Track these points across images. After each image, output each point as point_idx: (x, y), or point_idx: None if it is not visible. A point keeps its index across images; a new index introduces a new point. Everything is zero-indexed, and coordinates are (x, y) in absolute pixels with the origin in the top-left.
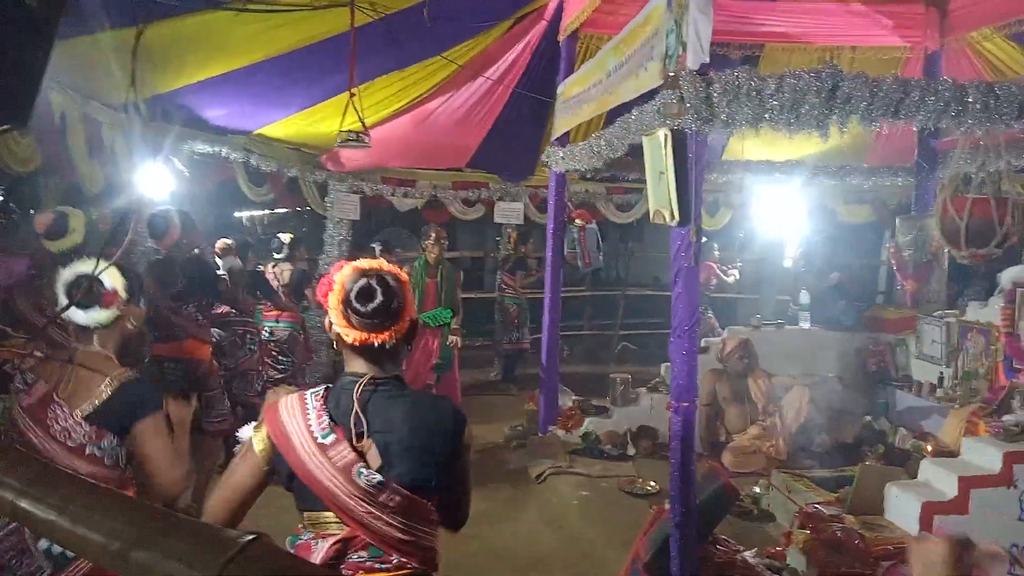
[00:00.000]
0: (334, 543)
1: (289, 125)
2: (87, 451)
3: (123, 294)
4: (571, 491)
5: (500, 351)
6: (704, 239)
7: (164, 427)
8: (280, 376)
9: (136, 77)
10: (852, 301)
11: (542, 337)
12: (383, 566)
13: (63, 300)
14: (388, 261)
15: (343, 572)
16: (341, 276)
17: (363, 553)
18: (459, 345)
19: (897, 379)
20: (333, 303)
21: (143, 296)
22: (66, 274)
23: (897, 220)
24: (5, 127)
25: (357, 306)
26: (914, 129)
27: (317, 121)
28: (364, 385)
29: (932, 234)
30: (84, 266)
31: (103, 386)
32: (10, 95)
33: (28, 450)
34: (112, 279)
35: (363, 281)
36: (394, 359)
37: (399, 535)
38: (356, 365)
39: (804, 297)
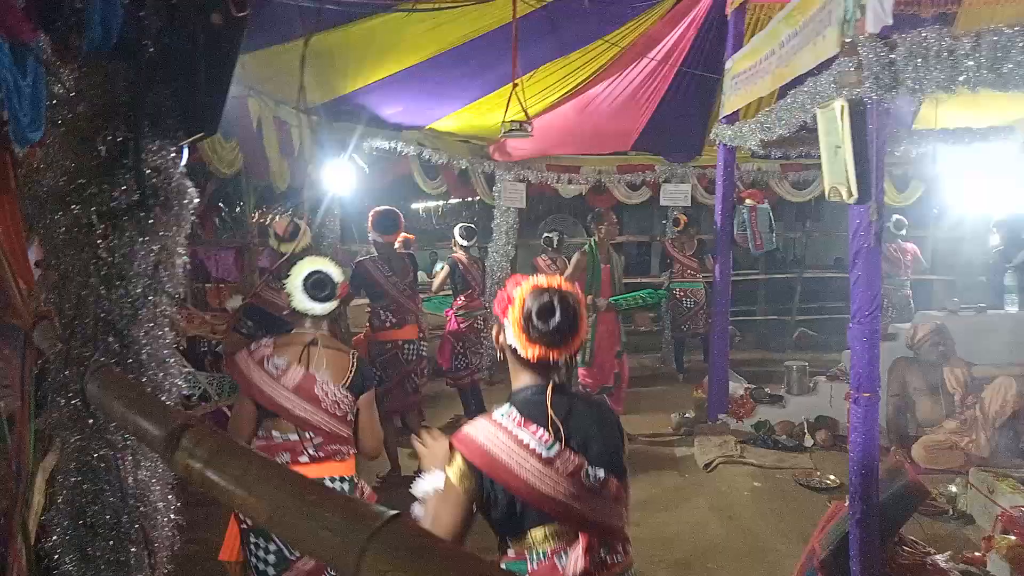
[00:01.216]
0: (583, 551)
1: (458, 118)
2: (348, 417)
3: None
4: (743, 481)
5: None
6: (897, 217)
7: (374, 400)
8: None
9: (303, 82)
10: None
11: (712, 322)
12: (619, 558)
13: (301, 293)
14: (557, 253)
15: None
16: (521, 292)
17: (601, 552)
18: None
19: None
20: (513, 318)
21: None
22: (303, 270)
23: None
24: (198, 136)
25: (538, 324)
26: None
27: (484, 113)
28: (552, 395)
29: None
30: (315, 264)
31: (351, 361)
32: (202, 107)
33: (299, 424)
34: (338, 274)
35: (545, 298)
36: (560, 370)
37: (622, 524)
38: (525, 378)
39: (1010, 278)
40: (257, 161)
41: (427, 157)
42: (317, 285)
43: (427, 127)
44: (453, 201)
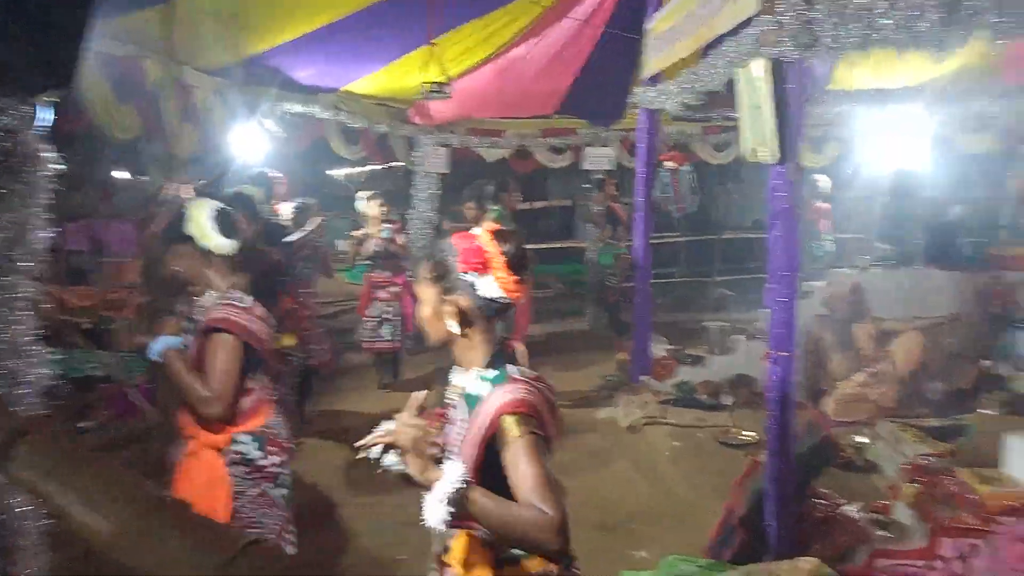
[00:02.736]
0: None
1: (375, 80)
2: None
3: None
4: (664, 441)
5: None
6: (817, 177)
7: None
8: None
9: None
10: (973, 237)
11: (633, 285)
12: None
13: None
14: (480, 218)
15: None
16: (488, 239)
17: None
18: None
19: (1022, 320)
20: (500, 264)
21: None
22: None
23: None
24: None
25: (522, 262)
26: None
27: (402, 75)
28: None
29: None
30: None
31: None
32: (53, 58)
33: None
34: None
35: (512, 235)
36: None
37: None
38: (488, 340)
39: (917, 235)
40: (157, 127)
41: (344, 121)
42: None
43: (343, 90)
44: (374, 167)
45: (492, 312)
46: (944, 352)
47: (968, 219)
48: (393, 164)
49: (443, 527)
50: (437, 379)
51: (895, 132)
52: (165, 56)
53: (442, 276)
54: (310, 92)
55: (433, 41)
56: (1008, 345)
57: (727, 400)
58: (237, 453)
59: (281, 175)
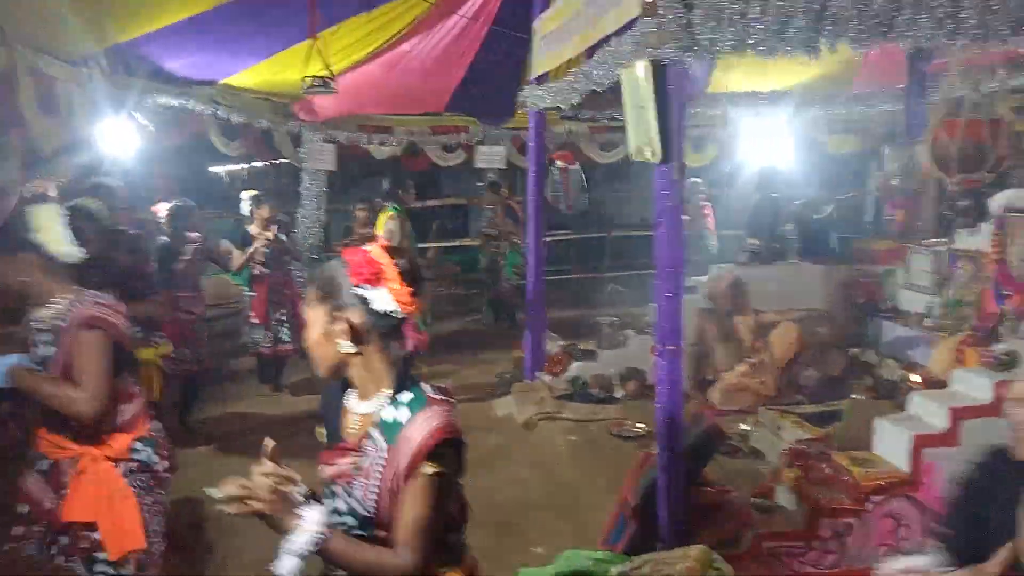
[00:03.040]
0: None
1: (257, 73)
2: None
3: None
4: (559, 436)
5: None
6: (697, 179)
7: None
8: None
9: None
10: (841, 234)
11: (527, 282)
12: None
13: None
14: (369, 219)
15: None
16: (380, 253)
17: None
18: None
19: (885, 310)
20: (394, 276)
21: None
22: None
23: (886, 148)
24: None
25: (416, 274)
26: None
27: (285, 68)
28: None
29: (921, 161)
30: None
31: None
32: None
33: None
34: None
35: (403, 253)
36: None
37: None
38: (387, 360)
39: (792, 231)
40: (12, 119)
41: (223, 116)
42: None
43: (221, 82)
44: (258, 164)
45: (387, 327)
46: (817, 342)
47: (837, 216)
48: (278, 161)
49: None
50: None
51: (768, 134)
52: (19, 42)
53: (331, 294)
54: (185, 84)
55: (316, 35)
56: (873, 334)
57: (619, 393)
58: (135, 461)
59: (121, 183)
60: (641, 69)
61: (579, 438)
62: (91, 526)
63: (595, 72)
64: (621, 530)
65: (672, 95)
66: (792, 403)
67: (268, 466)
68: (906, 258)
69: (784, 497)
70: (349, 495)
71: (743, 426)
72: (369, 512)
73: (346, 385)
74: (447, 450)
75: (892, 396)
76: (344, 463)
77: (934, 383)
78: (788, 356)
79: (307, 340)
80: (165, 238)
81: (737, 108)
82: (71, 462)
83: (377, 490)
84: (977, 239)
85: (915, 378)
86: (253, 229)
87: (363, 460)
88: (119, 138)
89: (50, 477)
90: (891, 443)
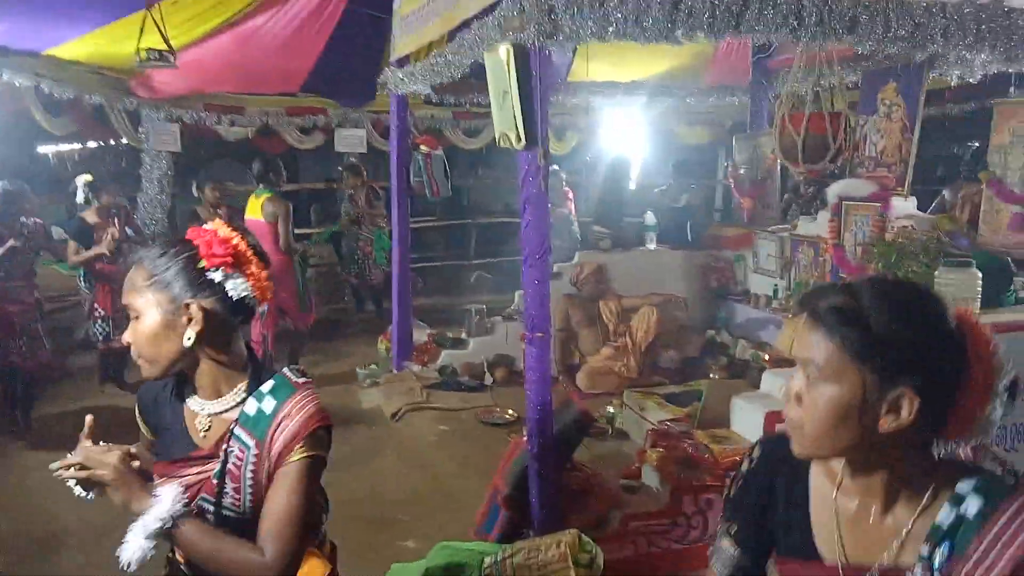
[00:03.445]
0: None
1: (86, 44)
2: None
3: None
4: (430, 426)
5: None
6: (555, 166)
7: None
8: None
9: None
10: (695, 220)
11: (392, 270)
12: None
13: None
14: (220, 201)
15: None
16: (229, 231)
17: None
18: None
19: (736, 293)
20: (251, 258)
21: None
22: None
23: (734, 139)
24: None
25: (265, 257)
26: (750, 49)
27: (120, 39)
28: None
29: (766, 152)
30: None
31: None
32: None
33: None
34: None
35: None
36: None
37: None
38: (238, 351)
39: (650, 219)
40: None
41: (47, 90)
42: None
43: (45, 53)
44: (91, 144)
45: (241, 316)
46: (675, 324)
47: (692, 204)
48: (114, 142)
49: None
50: None
51: (626, 123)
52: None
53: (171, 280)
54: (2, 53)
55: (154, 3)
56: (727, 316)
57: (488, 380)
58: None
59: None
60: (503, 52)
61: (450, 427)
62: None
63: (458, 55)
64: (494, 519)
65: (534, 81)
66: (655, 384)
67: (86, 444)
68: (754, 244)
69: (649, 477)
70: (218, 504)
71: (609, 408)
72: (247, 517)
73: (177, 384)
74: (322, 434)
75: (745, 375)
76: (200, 472)
77: (782, 361)
78: (649, 339)
79: (136, 335)
80: None
81: (596, 97)
82: None
83: (252, 491)
84: (816, 225)
85: (765, 357)
86: (90, 217)
87: (229, 465)
88: None
89: None
90: (746, 420)
